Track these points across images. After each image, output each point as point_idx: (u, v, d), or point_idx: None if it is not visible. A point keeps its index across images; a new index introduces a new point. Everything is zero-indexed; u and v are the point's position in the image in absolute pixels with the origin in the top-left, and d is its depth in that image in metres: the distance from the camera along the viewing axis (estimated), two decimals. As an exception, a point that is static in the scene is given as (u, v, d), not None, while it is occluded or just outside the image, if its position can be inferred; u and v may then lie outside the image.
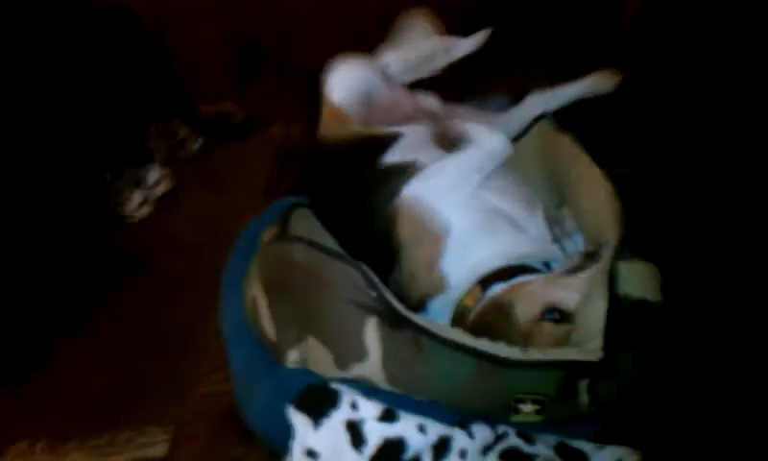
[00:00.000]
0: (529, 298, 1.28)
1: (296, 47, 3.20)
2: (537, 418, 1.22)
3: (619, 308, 1.25)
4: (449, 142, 1.51)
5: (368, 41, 2.64)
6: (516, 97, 1.79)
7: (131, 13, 3.40)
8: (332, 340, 1.27)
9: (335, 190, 1.58)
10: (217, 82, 3.57)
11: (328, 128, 1.66)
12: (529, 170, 1.63)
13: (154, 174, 3.12)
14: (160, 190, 3.12)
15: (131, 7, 3.40)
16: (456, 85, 1.87)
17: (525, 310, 1.27)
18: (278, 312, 1.34)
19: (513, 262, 1.39)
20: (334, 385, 1.26)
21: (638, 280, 1.30)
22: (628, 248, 1.31)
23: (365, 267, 1.29)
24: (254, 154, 3.23)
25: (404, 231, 1.45)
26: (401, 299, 1.36)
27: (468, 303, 1.37)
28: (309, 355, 1.29)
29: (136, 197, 3.03)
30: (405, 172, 1.46)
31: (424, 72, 1.86)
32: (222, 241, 2.74)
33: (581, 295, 1.24)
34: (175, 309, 2.56)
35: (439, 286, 1.41)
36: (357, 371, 1.26)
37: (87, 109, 3.09)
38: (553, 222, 1.49)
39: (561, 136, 1.61)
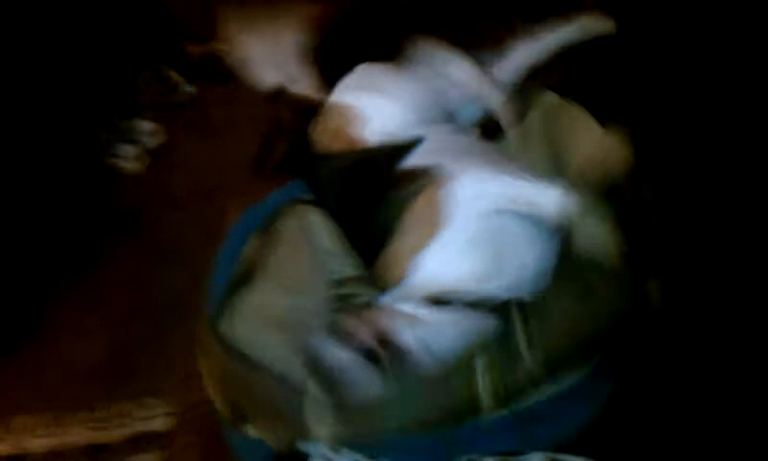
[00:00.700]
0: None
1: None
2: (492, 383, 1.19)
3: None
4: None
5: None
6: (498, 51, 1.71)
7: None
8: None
9: (347, 190, 1.52)
10: (204, 20, 3.46)
11: (334, 133, 1.57)
12: (535, 151, 1.56)
13: (146, 126, 3.05)
14: (153, 142, 3.05)
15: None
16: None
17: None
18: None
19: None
20: (302, 448, 1.23)
21: (591, 236, 1.28)
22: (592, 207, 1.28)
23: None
24: (247, 97, 3.16)
25: (414, 210, 1.39)
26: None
27: None
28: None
29: (130, 150, 2.96)
30: (428, 174, 1.40)
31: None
32: (216, 195, 2.71)
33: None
34: (170, 271, 2.53)
35: (400, 276, 1.36)
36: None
37: (75, 56, 3.00)
38: None
39: (570, 108, 1.53)
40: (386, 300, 1.33)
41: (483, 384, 1.20)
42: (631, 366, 1.33)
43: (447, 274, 1.33)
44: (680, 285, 1.34)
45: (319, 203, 1.53)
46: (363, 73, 1.65)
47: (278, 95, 1.88)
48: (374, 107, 1.54)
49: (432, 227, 1.35)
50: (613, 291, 1.25)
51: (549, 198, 1.34)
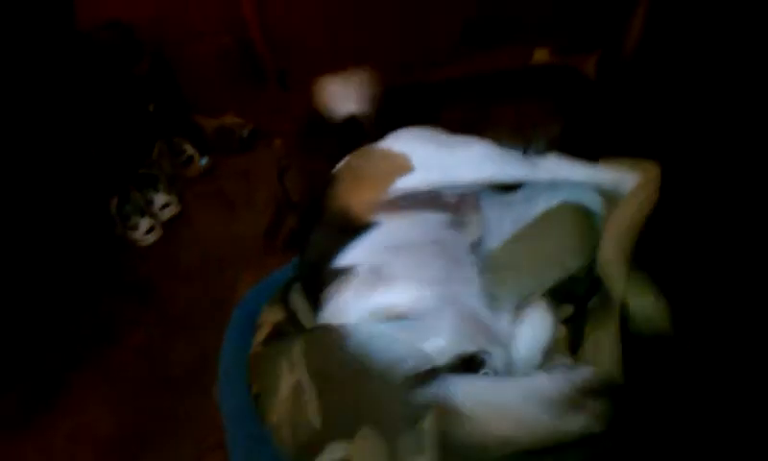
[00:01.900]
0: None
1: (297, 60, 3.16)
2: None
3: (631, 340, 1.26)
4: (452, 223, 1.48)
5: (366, 52, 2.62)
6: (520, 134, 1.74)
7: (129, 30, 3.37)
8: (389, 426, 1.20)
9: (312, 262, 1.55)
10: (219, 95, 3.55)
11: (357, 183, 1.56)
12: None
13: (160, 198, 3.10)
14: (167, 214, 3.10)
15: (129, 23, 3.38)
16: (455, 125, 1.81)
17: None
18: (330, 402, 1.26)
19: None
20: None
21: (649, 314, 1.29)
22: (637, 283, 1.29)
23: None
24: (259, 168, 3.23)
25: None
26: None
27: None
28: (356, 449, 1.23)
29: (144, 223, 3.01)
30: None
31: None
32: (228, 266, 2.76)
33: None
34: (181, 343, 2.55)
35: None
36: None
37: (89, 132, 3.07)
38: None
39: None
40: None
41: None
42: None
43: None
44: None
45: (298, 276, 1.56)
46: (412, 130, 1.63)
47: (287, 169, 1.91)
48: (424, 160, 1.52)
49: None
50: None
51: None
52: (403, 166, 1.51)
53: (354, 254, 1.44)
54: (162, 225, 3.09)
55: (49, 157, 2.87)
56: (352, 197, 1.51)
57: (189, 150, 3.32)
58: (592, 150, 1.61)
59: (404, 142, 1.56)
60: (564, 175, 1.54)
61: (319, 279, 1.45)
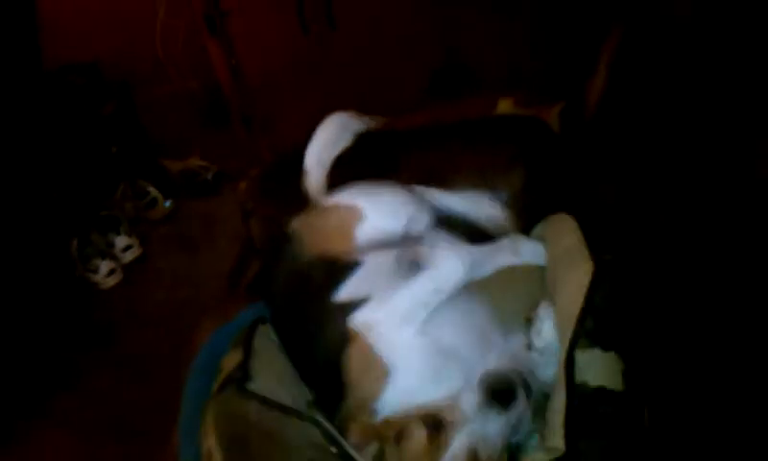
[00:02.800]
0: None
1: (263, 104, 3.16)
2: None
3: (578, 398, 1.23)
4: (409, 266, 1.47)
5: (334, 100, 2.63)
6: (479, 186, 1.75)
7: (95, 71, 3.36)
8: None
9: (290, 314, 1.54)
10: (184, 138, 3.54)
11: (323, 238, 1.59)
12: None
13: (122, 240, 3.07)
14: (128, 257, 3.07)
15: (95, 64, 3.38)
16: (418, 175, 1.83)
17: None
18: None
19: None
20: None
21: (598, 369, 1.26)
22: (588, 337, 1.27)
23: (322, 421, 1.23)
24: (224, 211, 3.22)
25: (351, 364, 1.40)
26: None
27: None
28: None
29: (105, 265, 2.97)
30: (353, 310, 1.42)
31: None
32: (190, 309, 2.73)
33: None
34: (142, 389, 2.51)
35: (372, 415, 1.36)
36: None
37: (51, 172, 3.05)
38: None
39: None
40: None
41: None
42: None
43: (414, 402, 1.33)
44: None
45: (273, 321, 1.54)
46: (364, 184, 1.68)
47: (251, 213, 1.91)
48: (374, 208, 1.56)
49: (381, 375, 1.37)
50: (626, 418, 1.25)
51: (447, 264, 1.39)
52: (356, 216, 1.55)
53: (355, 286, 1.45)
54: (123, 267, 3.05)
55: (7, 196, 2.84)
56: (327, 246, 1.53)
57: (153, 192, 3.30)
58: (555, 201, 1.64)
59: (350, 197, 1.61)
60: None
61: (314, 310, 1.46)
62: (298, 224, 1.62)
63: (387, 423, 1.29)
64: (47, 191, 3.01)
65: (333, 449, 1.21)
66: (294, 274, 1.55)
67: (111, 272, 2.99)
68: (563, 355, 1.28)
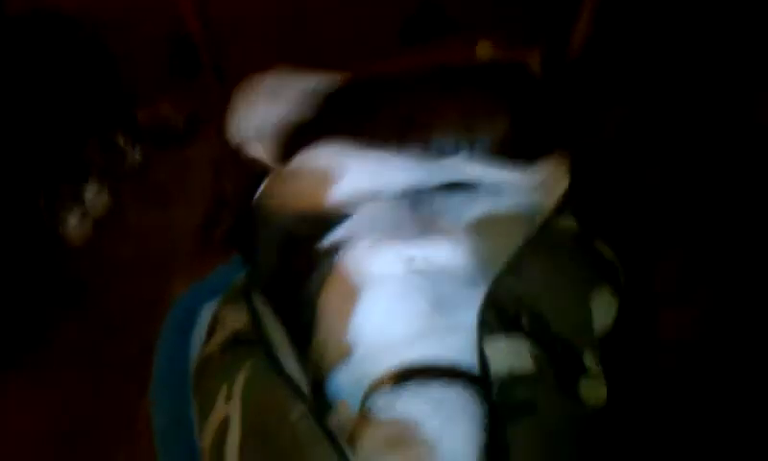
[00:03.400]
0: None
1: (234, 53, 3.10)
2: None
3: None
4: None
5: (306, 48, 2.57)
6: (462, 133, 1.71)
7: (62, 17, 3.25)
8: None
9: (276, 278, 1.49)
10: (154, 86, 3.45)
11: (298, 200, 1.54)
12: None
13: (92, 191, 2.99)
14: (99, 209, 3.00)
15: (63, 10, 3.26)
16: (396, 122, 1.78)
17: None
18: (252, 458, 1.21)
19: (436, 363, 1.29)
20: None
21: (505, 356, 1.23)
22: (490, 329, 1.25)
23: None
24: (195, 161, 3.13)
25: (326, 294, 1.37)
26: (315, 377, 1.32)
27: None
28: None
29: (74, 217, 2.90)
30: (334, 253, 1.39)
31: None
32: (163, 262, 2.66)
33: None
34: (117, 343, 2.47)
35: (344, 355, 1.32)
36: None
37: (17, 121, 2.95)
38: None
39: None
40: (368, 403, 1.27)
41: None
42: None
43: (388, 335, 1.29)
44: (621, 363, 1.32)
45: (253, 278, 1.50)
46: (332, 145, 1.64)
47: (222, 166, 1.86)
48: (345, 168, 1.52)
49: (351, 296, 1.33)
50: (549, 400, 1.22)
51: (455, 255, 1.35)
52: (329, 178, 1.55)
53: (343, 233, 1.45)
54: (94, 220, 2.97)
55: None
56: (303, 207, 1.54)
57: (122, 142, 3.21)
58: (539, 147, 1.60)
59: (319, 159, 1.62)
60: (479, 176, 1.62)
61: (300, 263, 1.44)
62: (267, 192, 1.58)
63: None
64: (12, 140, 2.92)
65: None
66: (279, 234, 1.51)
67: (81, 225, 2.91)
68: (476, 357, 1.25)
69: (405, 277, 1.32)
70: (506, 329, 1.22)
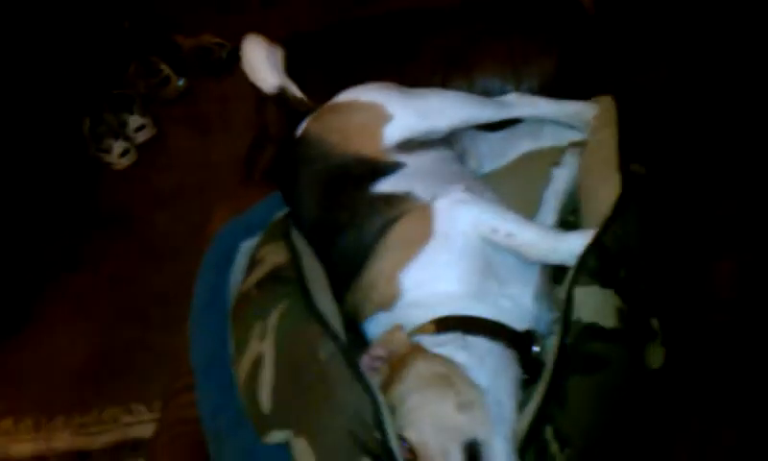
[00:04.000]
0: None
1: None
2: None
3: (571, 336, 1.18)
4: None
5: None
6: (508, 73, 1.67)
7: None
8: (322, 458, 1.16)
9: (318, 210, 1.47)
10: (197, 13, 3.42)
11: (347, 138, 1.51)
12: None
13: (135, 120, 3.00)
14: (142, 137, 3.00)
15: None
16: (441, 58, 1.73)
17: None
18: (282, 393, 1.22)
19: (480, 317, 1.26)
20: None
21: (593, 305, 1.20)
22: (588, 274, 1.21)
23: (381, 402, 1.17)
24: (238, 93, 3.11)
25: (388, 238, 1.35)
26: (354, 314, 1.33)
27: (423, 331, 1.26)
28: (293, 450, 1.19)
29: (118, 145, 2.91)
30: (394, 203, 1.36)
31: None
32: (205, 193, 2.67)
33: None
34: (156, 271, 2.50)
35: (391, 299, 1.31)
36: None
37: (61, 49, 2.96)
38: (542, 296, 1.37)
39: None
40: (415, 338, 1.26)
41: None
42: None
43: (440, 289, 1.28)
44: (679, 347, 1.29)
45: (294, 217, 1.48)
46: (383, 82, 1.61)
47: (267, 100, 1.82)
48: (399, 107, 1.50)
49: (418, 242, 1.32)
50: (624, 354, 1.19)
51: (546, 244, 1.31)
52: (383, 115, 1.50)
53: (398, 182, 1.42)
54: (137, 148, 2.98)
55: (19, 74, 2.77)
56: (356, 146, 1.49)
57: (166, 70, 3.20)
58: (587, 87, 1.56)
59: (371, 93, 1.56)
60: (528, 112, 1.58)
61: (348, 202, 1.43)
62: (313, 126, 1.55)
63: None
64: (57, 67, 2.92)
65: (377, 435, 1.14)
66: (324, 173, 1.49)
67: (125, 152, 2.92)
68: (564, 294, 1.23)
69: (473, 239, 1.30)
70: (602, 281, 1.20)
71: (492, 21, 1.80)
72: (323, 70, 1.71)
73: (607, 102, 1.50)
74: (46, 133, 2.86)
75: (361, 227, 1.37)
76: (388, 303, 1.31)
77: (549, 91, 1.59)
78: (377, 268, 1.34)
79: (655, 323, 1.21)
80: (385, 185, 1.40)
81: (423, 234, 1.32)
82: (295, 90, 1.70)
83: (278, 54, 1.74)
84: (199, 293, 1.50)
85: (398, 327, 1.22)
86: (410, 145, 1.48)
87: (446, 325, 1.24)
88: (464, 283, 1.28)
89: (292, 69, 1.75)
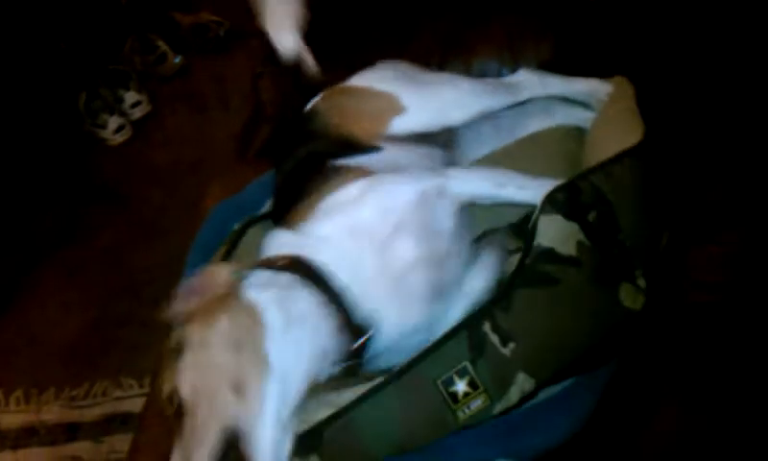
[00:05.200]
0: None
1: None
2: (480, 398, 1.16)
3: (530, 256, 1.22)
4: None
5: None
6: (506, 55, 1.67)
7: None
8: None
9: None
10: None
11: (349, 121, 1.51)
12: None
13: (131, 96, 2.99)
14: (138, 113, 3.00)
15: None
16: (439, 40, 1.73)
17: None
18: None
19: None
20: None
21: (552, 233, 1.22)
22: (554, 205, 1.23)
23: None
24: (235, 71, 3.11)
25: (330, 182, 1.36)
26: None
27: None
28: None
29: (113, 121, 2.91)
30: (342, 172, 1.37)
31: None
32: (200, 170, 2.68)
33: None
34: (149, 247, 2.50)
35: (298, 220, 1.31)
36: None
37: (57, 22, 2.95)
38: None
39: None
40: None
41: (463, 400, 1.16)
42: (615, 372, 1.30)
43: (341, 238, 1.27)
44: (660, 289, 1.30)
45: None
46: (396, 66, 1.60)
47: (261, 76, 1.83)
48: (414, 101, 1.48)
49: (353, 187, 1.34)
50: (576, 281, 1.22)
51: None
52: (395, 107, 1.48)
53: (359, 160, 1.40)
54: (132, 124, 2.98)
55: (15, 47, 2.77)
56: (353, 128, 1.47)
57: (162, 47, 3.19)
58: (584, 70, 1.56)
59: (387, 82, 1.53)
60: (540, 91, 1.57)
61: (313, 171, 1.40)
62: (321, 104, 1.55)
63: None
64: (53, 40, 2.92)
65: None
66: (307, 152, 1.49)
67: (120, 128, 2.92)
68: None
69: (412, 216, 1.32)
70: (566, 213, 1.22)
71: (492, 4, 1.80)
72: (315, 53, 1.70)
73: (621, 80, 1.51)
74: (42, 108, 2.85)
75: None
76: (294, 222, 1.31)
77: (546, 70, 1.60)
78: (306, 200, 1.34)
79: (638, 274, 1.23)
80: (345, 160, 1.40)
81: (362, 185, 1.31)
82: (311, 61, 1.68)
83: (302, 15, 1.72)
84: (188, 272, 1.50)
85: (225, 269, 1.18)
86: (405, 138, 1.47)
87: (298, 267, 1.21)
88: (366, 253, 1.25)
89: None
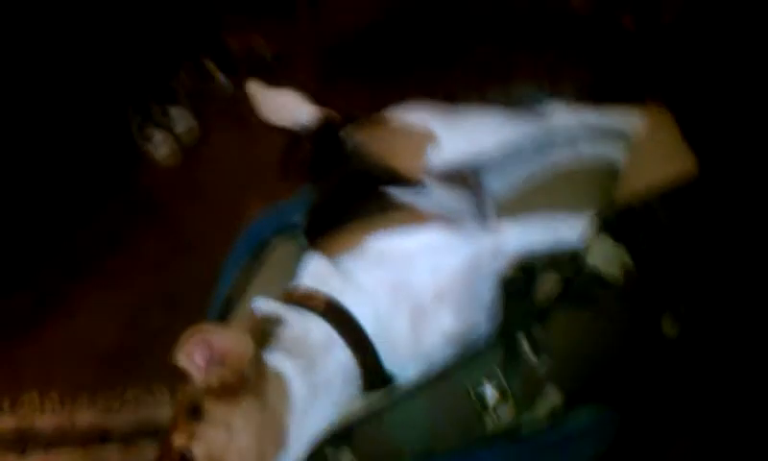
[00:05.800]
0: None
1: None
2: (508, 405, 1.17)
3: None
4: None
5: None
6: (544, 84, 1.69)
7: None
8: None
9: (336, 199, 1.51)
10: (247, 15, 3.48)
11: (389, 153, 1.56)
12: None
13: (181, 118, 3.05)
14: (184, 130, 3.06)
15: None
16: (477, 68, 1.76)
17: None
18: None
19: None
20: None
21: (600, 254, 1.25)
22: (605, 226, 1.27)
23: None
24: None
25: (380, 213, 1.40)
26: None
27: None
28: None
29: (162, 139, 2.97)
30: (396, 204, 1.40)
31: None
32: (244, 191, 2.72)
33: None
34: (191, 264, 2.54)
35: (340, 250, 1.35)
36: None
37: (113, 40, 3.03)
38: None
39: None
40: None
41: (493, 407, 1.17)
42: (641, 401, 1.30)
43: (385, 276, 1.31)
44: (696, 320, 1.30)
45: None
46: (432, 106, 1.64)
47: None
48: (448, 136, 1.53)
49: (403, 224, 1.35)
50: (617, 307, 1.22)
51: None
52: (428, 138, 1.53)
53: (407, 197, 1.44)
54: (179, 141, 3.04)
55: (70, 59, 2.85)
56: (393, 161, 1.52)
57: (212, 69, 3.25)
58: (620, 101, 1.57)
59: (420, 118, 1.59)
60: (572, 122, 1.59)
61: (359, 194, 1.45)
62: (362, 136, 1.58)
63: None
64: (109, 57, 2.99)
65: None
66: (353, 172, 1.52)
67: (166, 144, 2.98)
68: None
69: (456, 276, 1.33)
70: (615, 236, 1.23)
71: (529, 36, 1.82)
72: (359, 79, 1.74)
73: (658, 109, 1.53)
74: (92, 119, 2.93)
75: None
76: (335, 251, 1.33)
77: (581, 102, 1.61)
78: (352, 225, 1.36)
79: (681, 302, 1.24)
80: (396, 192, 1.42)
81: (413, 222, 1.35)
82: (333, 112, 1.73)
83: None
84: (222, 284, 1.54)
85: (246, 339, 1.18)
86: (443, 177, 1.51)
87: (334, 315, 1.24)
88: (402, 317, 1.28)
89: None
